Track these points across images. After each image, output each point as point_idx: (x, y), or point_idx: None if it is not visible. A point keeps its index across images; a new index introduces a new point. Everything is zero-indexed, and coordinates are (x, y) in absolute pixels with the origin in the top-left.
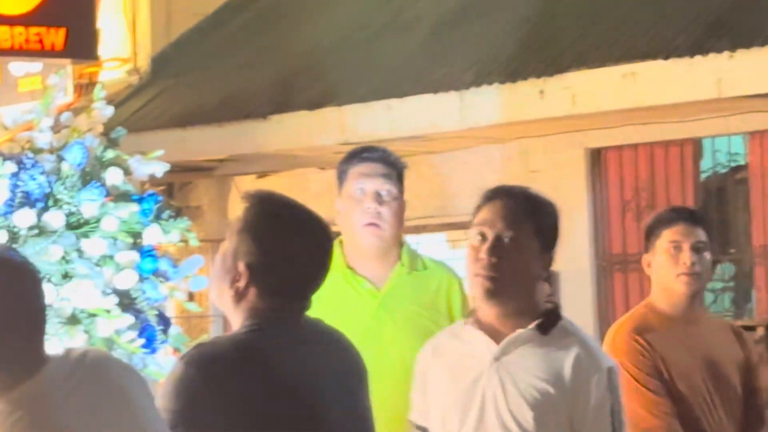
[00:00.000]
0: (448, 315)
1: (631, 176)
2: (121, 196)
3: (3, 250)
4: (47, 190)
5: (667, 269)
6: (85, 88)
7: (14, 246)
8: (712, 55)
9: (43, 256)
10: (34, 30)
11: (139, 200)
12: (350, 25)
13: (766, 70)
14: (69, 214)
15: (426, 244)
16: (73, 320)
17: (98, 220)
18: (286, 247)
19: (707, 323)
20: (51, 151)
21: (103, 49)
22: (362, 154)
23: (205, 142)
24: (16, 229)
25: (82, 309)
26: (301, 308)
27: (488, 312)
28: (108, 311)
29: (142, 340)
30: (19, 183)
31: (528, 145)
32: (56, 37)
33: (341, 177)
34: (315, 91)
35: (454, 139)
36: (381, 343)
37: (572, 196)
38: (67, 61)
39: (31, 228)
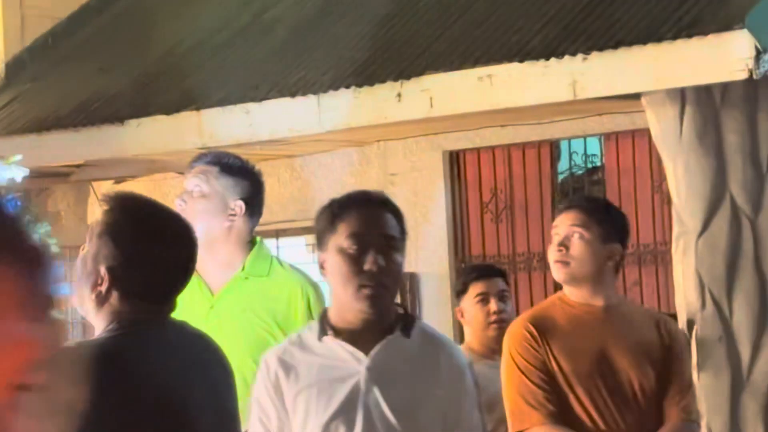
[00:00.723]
0: (292, 323)
1: (489, 178)
2: None
3: None
4: None
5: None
6: None
7: None
8: (566, 58)
9: None
10: None
11: None
12: (209, 27)
13: (620, 72)
14: None
15: (286, 249)
16: None
17: None
18: (148, 250)
19: (621, 311)
20: None
21: None
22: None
23: (62, 148)
24: None
25: None
26: (166, 311)
27: (355, 320)
28: None
29: None
30: None
31: (387, 148)
32: None
33: None
34: (173, 95)
35: (313, 143)
36: None
37: (431, 199)
38: None
39: None
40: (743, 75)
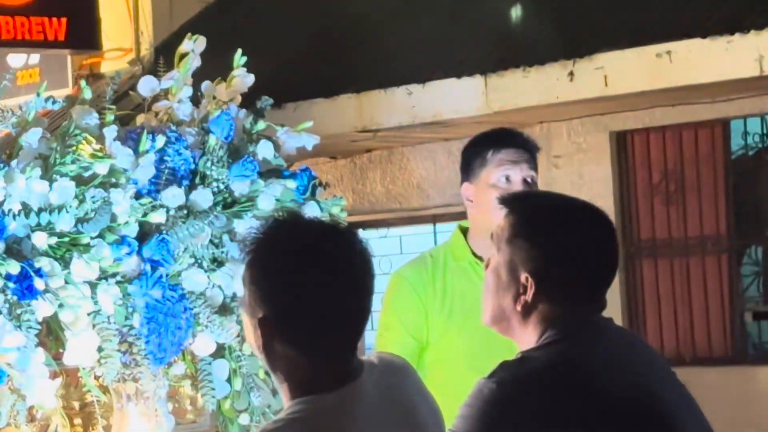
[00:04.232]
0: None
1: (659, 159)
2: (272, 172)
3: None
4: (192, 166)
5: None
6: (87, 78)
7: (162, 228)
8: (752, 32)
9: (195, 238)
10: (35, 20)
11: (291, 176)
12: (365, 6)
13: None
14: (216, 192)
15: (444, 234)
16: (224, 309)
17: (249, 199)
18: (570, 243)
19: None
20: (190, 124)
21: (105, 39)
22: (503, 138)
23: None
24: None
25: (234, 296)
26: (598, 309)
27: None
28: None
29: None
30: (165, 158)
31: (550, 129)
32: (58, 27)
33: (474, 162)
34: (330, 77)
35: (472, 125)
36: None
37: (597, 181)
38: (67, 52)
39: (179, 208)
40: None
